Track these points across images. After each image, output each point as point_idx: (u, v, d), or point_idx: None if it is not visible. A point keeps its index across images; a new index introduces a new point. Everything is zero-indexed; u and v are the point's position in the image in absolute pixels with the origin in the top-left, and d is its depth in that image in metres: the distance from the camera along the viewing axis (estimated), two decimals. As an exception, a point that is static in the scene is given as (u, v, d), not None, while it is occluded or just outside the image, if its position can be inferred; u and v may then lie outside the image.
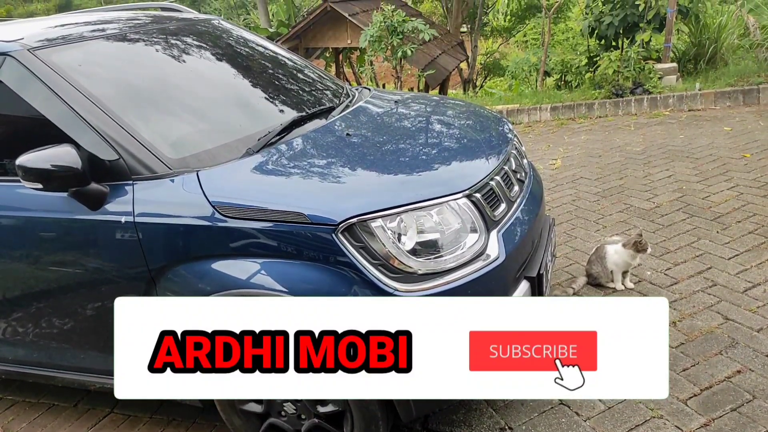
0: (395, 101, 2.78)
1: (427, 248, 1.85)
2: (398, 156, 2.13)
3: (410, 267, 1.80)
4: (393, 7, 8.23)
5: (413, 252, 1.82)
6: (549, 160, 5.34)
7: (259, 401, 2.06)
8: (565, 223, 3.91)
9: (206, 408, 2.26)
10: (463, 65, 14.69)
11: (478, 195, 1.97)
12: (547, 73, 9.27)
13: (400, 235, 1.81)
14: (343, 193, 1.89)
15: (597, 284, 3.05)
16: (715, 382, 2.27)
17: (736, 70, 7.24)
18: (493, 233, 1.98)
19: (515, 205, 2.18)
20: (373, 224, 1.77)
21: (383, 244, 1.78)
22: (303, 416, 2.03)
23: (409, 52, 7.90)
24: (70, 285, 2.12)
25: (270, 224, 1.80)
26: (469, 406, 2.33)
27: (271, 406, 2.05)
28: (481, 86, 14.98)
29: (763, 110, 5.98)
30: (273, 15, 16.41)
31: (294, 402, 2.01)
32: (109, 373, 2.25)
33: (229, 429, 2.23)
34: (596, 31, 7.93)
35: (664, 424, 2.09)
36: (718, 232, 3.45)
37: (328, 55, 14.15)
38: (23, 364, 2.44)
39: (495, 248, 1.95)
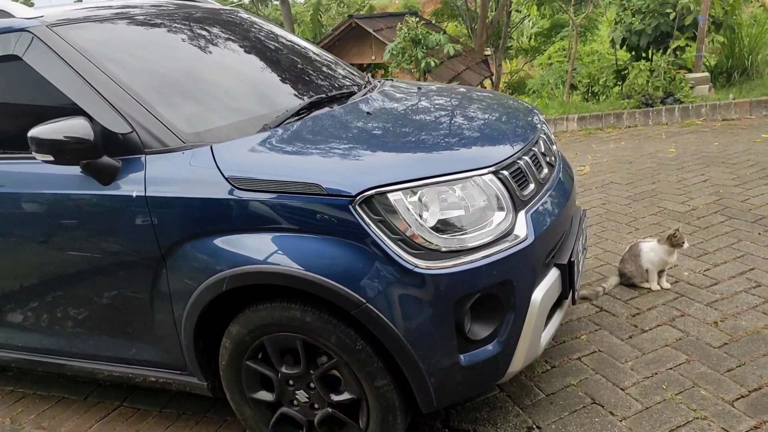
0: (418, 87, 2.70)
1: (450, 225, 1.73)
2: (421, 135, 2.03)
3: (432, 243, 1.69)
4: (417, 19, 8.25)
5: (436, 228, 1.71)
6: (577, 167, 5.18)
7: (270, 389, 1.95)
8: (595, 225, 3.75)
9: (217, 401, 2.17)
10: (487, 83, 14.66)
11: (505, 172, 1.85)
12: (573, 87, 9.13)
13: (422, 210, 1.71)
14: (361, 167, 1.79)
15: (630, 284, 2.88)
16: (765, 383, 2.08)
17: (771, 81, 7.02)
18: (522, 213, 1.86)
19: (545, 188, 2.06)
20: (393, 197, 1.67)
21: (404, 218, 1.67)
22: (316, 405, 1.91)
23: (432, 64, 7.88)
24: (78, 265, 2.05)
25: (286, 197, 1.71)
26: (493, 404, 2.17)
27: (283, 395, 1.94)
28: (506, 104, 14.86)
29: (802, 119, 5.75)
30: (300, 34, 16.70)
31: (306, 389, 1.89)
32: (118, 360, 2.20)
33: (240, 423, 2.13)
34: (627, 42, 7.80)
35: (709, 426, 1.91)
36: (759, 233, 3.25)
37: (352, 71, 14.26)
38: (32, 351, 2.38)
39: (523, 228, 1.83)
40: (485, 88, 14.79)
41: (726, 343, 2.33)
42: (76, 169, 1.93)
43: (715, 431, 1.89)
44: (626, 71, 7.94)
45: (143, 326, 2.04)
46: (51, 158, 1.85)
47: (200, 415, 2.41)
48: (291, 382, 1.91)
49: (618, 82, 8.56)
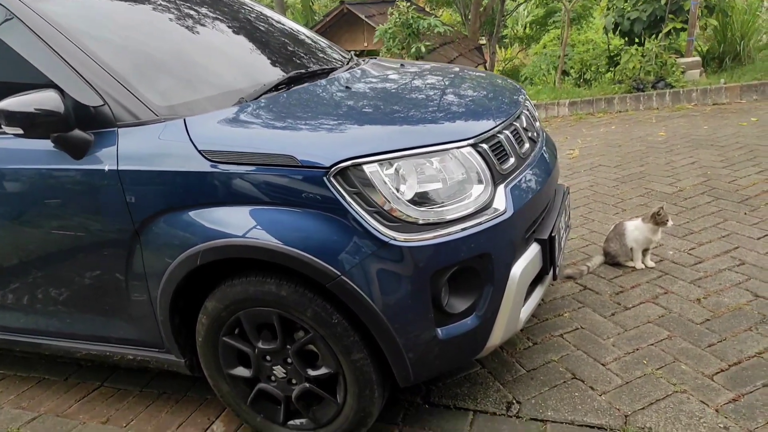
0: (401, 64, 2.67)
1: (428, 197, 1.70)
2: (399, 109, 2.00)
3: (409, 216, 1.66)
4: (409, 3, 8.17)
5: (413, 201, 1.68)
6: (566, 150, 5.17)
7: (247, 365, 1.93)
8: (582, 207, 3.74)
9: (197, 380, 2.14)
10: (481, 69, 14.55)
11: (484, 146, 1.83)
12: (565, 72, 9.09)
13: (398, 182, 1.68)
14: (337, 139, 1.76)
15: (615, 263, 2.87)
16: (745, 357, 2.07)
17: (763, 66, 7.00)
18: (501, 187, 1.84)
19: (526, 163, 2.04)
20: (368, 169, 1.64)
21: (379, 190, 1.64)
22: (294, 380, 1.89)
23: (423, 48, 7.81)
24: (51, 242, 2.01)
25: (260, 169, 1.68)
26: (474, 380, 2.17)
27: (260, 370, 1.92)
28: (499, 91, 14.77)
29: (792, 102, 5.74)
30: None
31: (283, 365, 1.88)
32: (96, 338, 2.17)
33: (220, 402, 2.11)
34: (619, 28, 7.76)
35: (688, 399, 1.91)
36: (745, 213, 3.25)
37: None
38: (7, 330, 2.34)
39: (502, 202, 1.80)
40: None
41: (708, 320, 2.33)
42: (47, 143, 1.89)
43: (694, 404, 1.88)
44: (618, 57, 7.90)
45: (119, 303, 2.01)
46: (21, 131, 1.81)
47: (180, 394, 2.39)
48: (268, 357, 1.89)
49: (610, 68, 8.53)
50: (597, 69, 8.70)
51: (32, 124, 1.79)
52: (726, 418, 1.81)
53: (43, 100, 1.78)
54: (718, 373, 2.01)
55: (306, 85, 2.17)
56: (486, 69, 14.96)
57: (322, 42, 2.93)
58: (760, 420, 1.78)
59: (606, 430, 1.83)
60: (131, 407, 2.36)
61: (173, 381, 2.46)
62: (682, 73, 6.85)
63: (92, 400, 2.46)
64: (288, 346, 1.84)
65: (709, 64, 7.75)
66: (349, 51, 3.08)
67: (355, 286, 1.63)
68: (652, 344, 2.22)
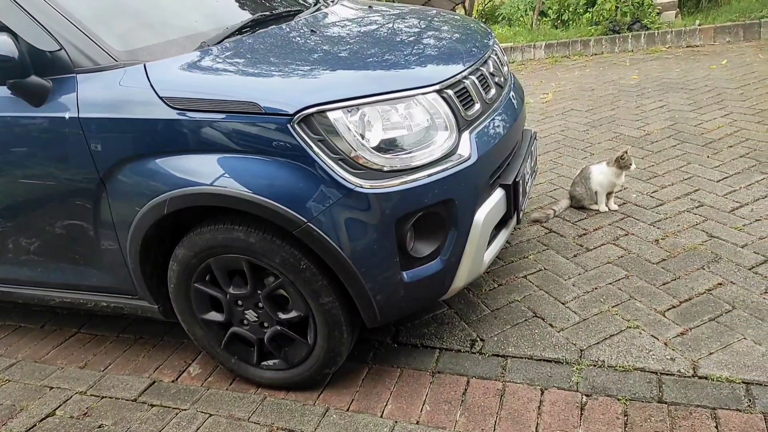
0: (369, 6, 2.61)
1: (393, 144, 1.72)
2: (364, 54, 1.98)
3: (375, 163, 1.68)
4: (383, -61, 7.85)
5: (378, 148, 1.70)
6: (540, 95, 5.17)
7: (220, 310, 1.98)
8: (552, 152, 3.78)
9: (174, 326, 2.19)
10: (459, 9, 14.16)
11: (450, 92, 1.83)
12: (543, 13, 8.93)
13: (363, 129, 1.69)
14: (301, 85, 1.75)
15: (580, 206, 2.95)
16: (695, 294, 2.19)
17: (738, 7, 6.97)
18: (466, 133, 1.86)
19: (491, 108, 2.05)
20: (332, 115, 1.64)
21: (344, 137, 1.65)
22: (265, 324, 1.95)
23: (399, -12, 7.57)
24: (16, 191, 2.00)
25: (223, 116, 1.67)
26: (441, 320, 2.26)
27: (232, 315, 1.98)
28: (477, 32, 14.44)
29: (763, 45, 5.77)
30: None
31: (255, 309, 1.93)
32: (69, 286, 2.19)
33: (195, 346, 2.17)
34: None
35: (640, 334, 2.03)
36: (708, 156, 3.33)
37: None
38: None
39: (467, 148, 1.83)
40: (456, 15, 14.23)
41: (664, 259, 2.44)
42: (5, 91, 1.85)
43: (645, 338, 2.01)
44: (597, -3, 7.77)
45: (90, 252, 2.02)
46: (-26, 78, 1.76)
47: (157, 339, 2.45)
48: (240, 302, 1.94)
49: (588, 9, 8.40)
50: (575, 9, 8.57)
51: (-15, 70, 1.74)
52: (673, 350, 1.94)
53: (-5, 44, 1.73)
54: (670, 309, 2.13)
55: (271, 28, 2.12)
56: (465, 9, 14.55)
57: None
58: (703, 351, 1.91)
59: (562, 363, 1.95)
60: (109, 352, 2.42)
61: (150, 326, 2.51)
62: (658, 14, 6.80)
63: (69, 346, 2.51)
64: (259, 291, 1.89)
65: (685, 4, 7.68)
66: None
67: (321, 233, 1.67)
68: (610, 283, 2.33)
